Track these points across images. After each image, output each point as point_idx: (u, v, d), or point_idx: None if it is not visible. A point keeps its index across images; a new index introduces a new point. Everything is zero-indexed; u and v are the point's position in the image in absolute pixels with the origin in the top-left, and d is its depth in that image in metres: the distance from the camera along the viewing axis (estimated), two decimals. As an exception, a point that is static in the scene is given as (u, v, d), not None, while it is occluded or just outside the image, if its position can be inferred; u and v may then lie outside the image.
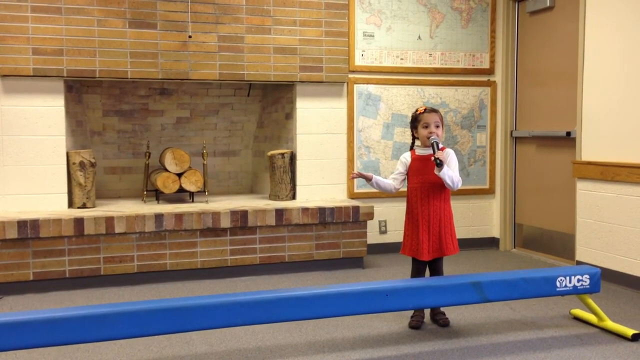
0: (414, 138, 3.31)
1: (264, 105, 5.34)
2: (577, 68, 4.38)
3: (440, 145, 3.12)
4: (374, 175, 3.24)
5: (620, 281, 4.05)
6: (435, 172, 3.05)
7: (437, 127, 3.18)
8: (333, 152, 4.93)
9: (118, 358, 2.85)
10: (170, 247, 4.18)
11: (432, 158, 3.03)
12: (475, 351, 2.91)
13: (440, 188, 3.17)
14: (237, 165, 5.46)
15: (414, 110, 3.32)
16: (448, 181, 3.06)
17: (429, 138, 3.14)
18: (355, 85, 4.97)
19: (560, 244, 4.85)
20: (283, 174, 4.76)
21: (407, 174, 3.28)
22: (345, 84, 4.93)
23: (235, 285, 4.15)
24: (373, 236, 5.04)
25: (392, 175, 3.30)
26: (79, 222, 3.96)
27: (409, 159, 3.27)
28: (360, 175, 3.21)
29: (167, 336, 3.06)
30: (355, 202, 4.65)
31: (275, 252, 4.40)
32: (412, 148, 3.32)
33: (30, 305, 3.70)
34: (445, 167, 3.04)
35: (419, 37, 5.12)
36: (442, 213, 3.19)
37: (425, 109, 3.22)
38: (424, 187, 3.19)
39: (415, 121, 3.24)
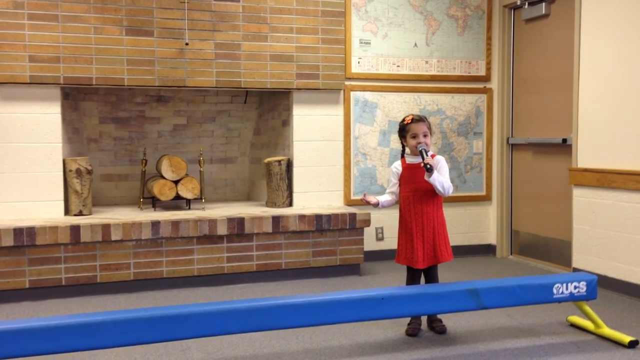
0: (403, 147, 3.31)
1: (261, 112, 5.35)
2: (573, 75, 4.40)
3: (430, 153, 3.13)
4: (379, 200, 3.26)
5: (617, 288, 4.05)
6: (425, 177, 3.06)
7: (425, 136, 3.17)
8: (330, 159, 4.93)
9: (114, 366, 2.85)
10: (166, 255, 4.17)
11: (422, 164, 3.04)
12: (472, 358, 2.91)
13: (432, 195, 3.17)
14: (233, 172, 5.45)
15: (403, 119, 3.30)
16: (438, 187, 3.07)
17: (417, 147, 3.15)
18: (351, 93, 4.98)
19: (556, 251, 4.85)
20: (280, 181, 4.76)
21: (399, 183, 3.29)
22: (342, 91, 4.94)
23: (232, 292, 4.14)
24: (370, 243, 5.03)
25: (389, 190, 3.32)
26: (75, 229, 3.95)
27: (400, 168, 3.28)
28: (367, 201, 3.22)
29: (163, 344, 3.04)
30: (352, 209, 4.65)
31: (272, 260, 4.39)
32: (402, 156, 3.32)
33: (26, 313, 3.68)
34: (435, 173, 3.05)
35: (415, 44, 5.14)
36: (435, 220, 3.19)
37: (412, 119, 3.19)
38: (416, 195, 3.19)
39: (403, 131, 3.23)
